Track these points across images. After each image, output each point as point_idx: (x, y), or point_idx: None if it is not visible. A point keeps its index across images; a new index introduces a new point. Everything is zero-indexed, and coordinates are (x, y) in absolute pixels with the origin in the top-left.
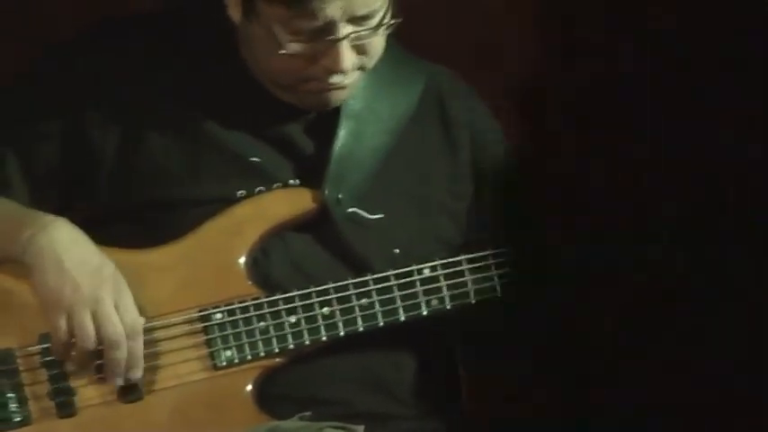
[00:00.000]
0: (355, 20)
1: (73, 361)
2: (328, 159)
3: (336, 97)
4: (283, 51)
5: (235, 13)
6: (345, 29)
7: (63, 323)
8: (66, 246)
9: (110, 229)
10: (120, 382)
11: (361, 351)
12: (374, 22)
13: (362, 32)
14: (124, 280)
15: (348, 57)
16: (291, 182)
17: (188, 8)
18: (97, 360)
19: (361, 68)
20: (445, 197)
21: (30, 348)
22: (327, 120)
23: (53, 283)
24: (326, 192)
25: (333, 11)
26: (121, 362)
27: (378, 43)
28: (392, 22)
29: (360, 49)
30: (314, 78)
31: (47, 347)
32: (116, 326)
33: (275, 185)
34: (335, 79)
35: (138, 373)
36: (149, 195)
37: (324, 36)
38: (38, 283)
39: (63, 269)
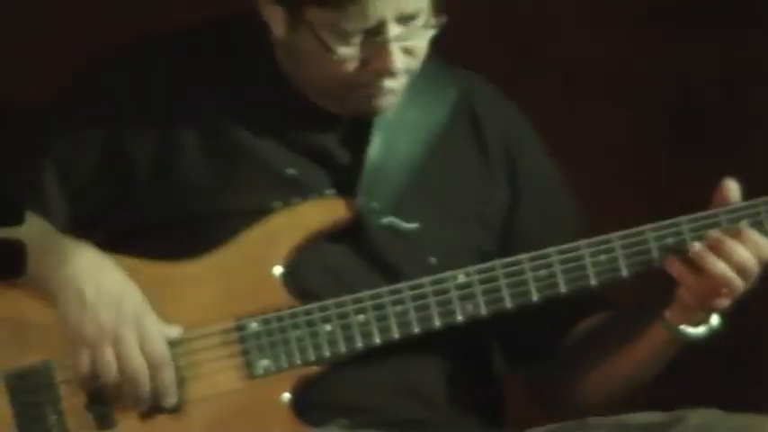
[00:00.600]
0: (403, 19)
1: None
2: (362, 169)
3: (387, 102)
4: (333, 57)
5: (279, 28)
6: (394, 29)
7: (85, 359)
8: (88, 276)
9: (146, 241)
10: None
11: (398, 358)
12: (421, 21)
13: (410, 33)
14: (149, 308)
15: (399, 58)
16: (327, 192)
17: (223, 23)
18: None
19: (408, 72)
20: (479, 206)
21: (68, 361)
22: (361, 129)
23: (75, 318)
24: (361, 201)
25: (383, 9)
26: (145, 395)
27: (423, 44)
28: (438, 21)
29: (407, 51)
30: (364, 84)
31: None
32: (137, 361)
33: (310, 196)
34: (387, 83)
35: (171, 401)
36: (185, 208)
37: (373, 37)
38: (60, 315)
39: (84, 302)
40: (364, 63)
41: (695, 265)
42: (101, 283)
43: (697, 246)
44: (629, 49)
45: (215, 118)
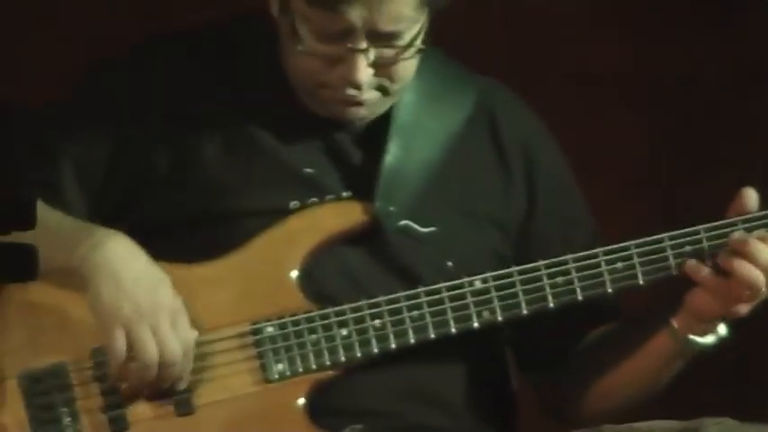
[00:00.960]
0: (379, 36)
1: (129, 377)
2: (379, 172)
3: (353, 112)
4: (300, 48)
5: (274, 7)
6: (363, 43)
7: (121, 340)
8: (123, 261)
9: (162, 242)
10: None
11: (413, 363)
12: (401, 42)
13: (382, 51)
14: (180, 297)
15: (363, 70)
16: (344, 194)
17: (236, 22)
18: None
19: (383, 90)
20: (496, 211)
21: (82, 363)
22: (377, 131)
23: (110, 299)
24: (378, 204)
25: (353, 17)
26: (172, 379)
27: (404, 69)
28: (418, 47)
29: (383, 70)
30: (330, 86)
31: (99, 362)
32: (175, 344)
33: (328, 197)
34: (350, 92)
35: (182, 386)
36: (202, 208)
37: (343, 42)
38: (94, 298)
39: (120, 285)
40: (332, 64)
41: (718, 269)
42: (135, 266)
43: (723, 250)
44: (641, 52)
45: (230, 116)
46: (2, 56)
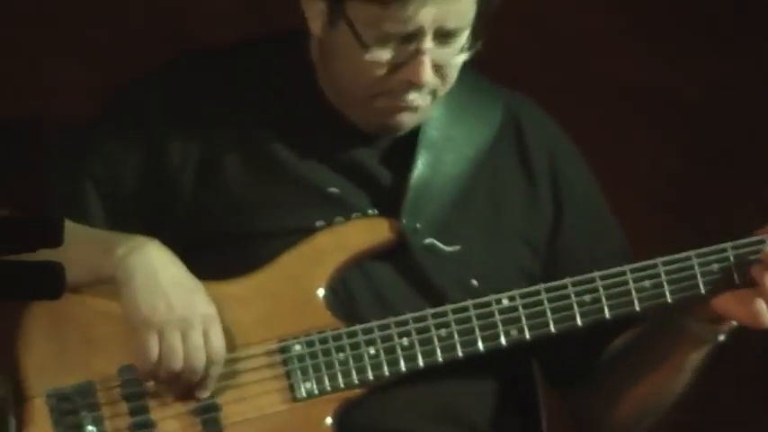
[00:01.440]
0: (442, 34)
1: (157, 380)
2: (405, 188)
3: (406, 120)
4: (367, 56)
5: (316, 24)
6: (430, 42)
7: (154, 341)
8: (161, 264)
9: (188, 260)
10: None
11: (440, 381)
12: (458, 42)
13: (445, 50)
14: (214, 305)
15: (428, 71)
16: (370, 212)
17: (263, 39)
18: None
19: (434, 94)
20: (524, 227)
21: (110, 381)
22: (403, 148)
23: (146, 300)
24: (404, 221)
25: (425, 17)
26: (196, 386)
27: (455, 68)
28: (475, 46)
29: (437, 69)
30: (388, 93)
31: (127, 380)
32: (201, 353)
33: (354, 215)
34: (411, 96)
35: (205, 394)
36: (227, 226)
37: (408, 45)
38: (129, 299)
39: (157, 286)
40: (393, 69)
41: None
42: (172, 271)
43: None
44: (666, 66)
45: (256, 135)
46: (32, 71)
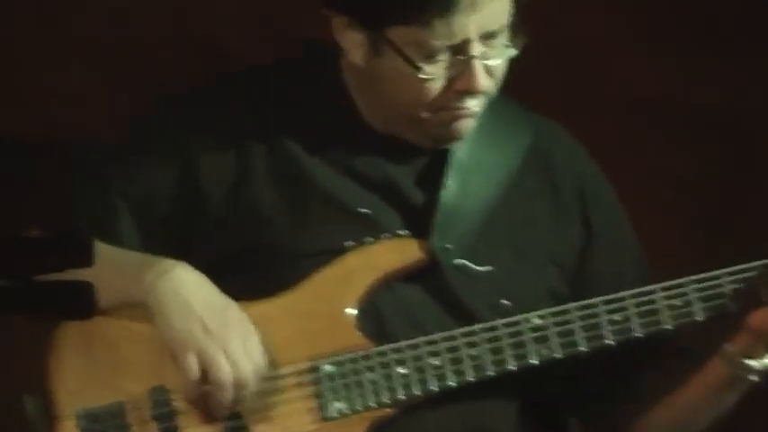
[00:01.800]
0: (486, 37)
1: (204, 401)
2: (436, 209)
3: (467, 126)
4: (422, 75)
5: (358, 54)
6: (479, 47)
7: (194, 364)
8: (191, 288)
9: (219, 280)
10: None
11: (471, 401)
12: (501, 40)
13: (492, 51)
14: (249, 320)
15: (483, 76)
16: (400, 232)
17: (296, 59)
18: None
19: (488, 94)
20: (552, 249)
21: (140, 402)
22: (434, 169)
23: (181, 325)
24: (435, 242)
25: (470, 26)
26: (240, 400)
27: (502, 66)
28: (518, 41)
29: (488, 71)
30: (446, 107)
31: (157, 401)
32: (246, 364)
33: (383, 235)
34: (469, 104)
35: (247, 404)
36: (258, 246)
37: (458, 55)
38: (165, 325)
39: (190, 310)
40: (449, 82)
41: None
42: (203, 293)
43: None
44: (687, 78)
45: (287, 155)
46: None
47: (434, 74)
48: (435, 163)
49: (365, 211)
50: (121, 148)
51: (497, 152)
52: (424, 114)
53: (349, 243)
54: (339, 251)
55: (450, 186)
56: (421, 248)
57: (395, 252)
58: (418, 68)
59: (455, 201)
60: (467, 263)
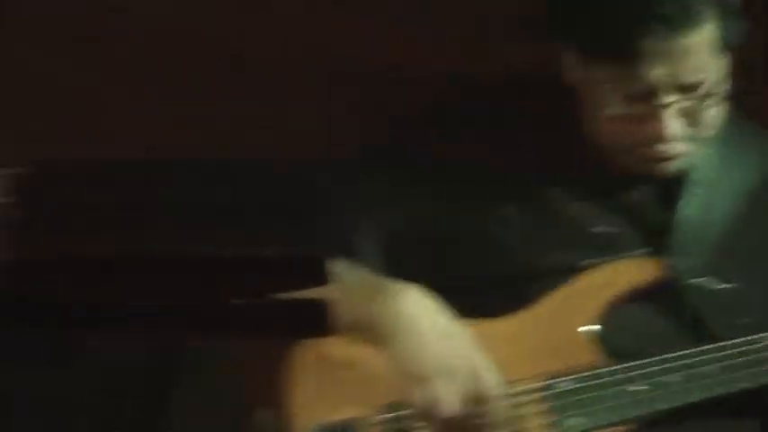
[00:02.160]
0: (683, 89)
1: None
2: (675, 228)
3: (669, 166)
4: (608, 112)
5: (570, 75)
6: (670, 97)
7: (425, 394)
8: (422, 314)
9: (455, 301)
10: None
11: (705, 420)
12: (703, 89)
13: (688, 101)
14: (480, 348)
15: (671, 125)
16: (638, 251)
17: (535, 80)
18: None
19: (691, 138)
20: None
21: (371, 419)
22: (674, 187)
23: (413, 353)
24: (674, 260)
25: (655, 75)
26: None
27: (710, 116)
28: (719, 92)
29: (690, 120)
30: (639, 144)
31: (388, 419)
32: (472, 397)
33: (622, 255)
34: (660, 148)
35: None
36: (494, 268)
37: (647, 100)
38: (397, 352)
39: (422, 338)
40: (637, 123)
41: None
42: (434, 319)
43: None
44: None
45: (525, 176)
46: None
47: (616, 112)
48: (674, 181)
49: (603, 230)
50: (363, 171)
51: (737, 166)
52: (621, 147)
53: (586, 263)
54: (576, 271)
55: (691, 204)
56: (660, 267)
57: (633, 271)
58: (605, 105)
59: (695, 219)
60: (706, 281)
